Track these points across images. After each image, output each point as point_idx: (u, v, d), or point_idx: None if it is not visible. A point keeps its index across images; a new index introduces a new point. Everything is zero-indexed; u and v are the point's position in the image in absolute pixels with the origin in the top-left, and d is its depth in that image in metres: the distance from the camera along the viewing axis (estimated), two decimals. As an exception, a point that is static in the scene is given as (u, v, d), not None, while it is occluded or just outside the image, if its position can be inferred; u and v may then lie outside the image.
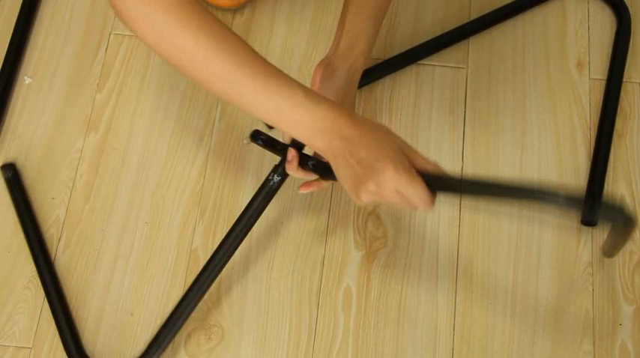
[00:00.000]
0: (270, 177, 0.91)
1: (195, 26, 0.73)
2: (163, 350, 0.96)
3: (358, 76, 0.92)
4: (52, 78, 1.14)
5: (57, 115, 1.12)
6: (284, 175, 0.90)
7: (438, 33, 1.15)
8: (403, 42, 1.15)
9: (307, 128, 0.76)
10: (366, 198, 0.78)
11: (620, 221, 0.75)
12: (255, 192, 0.89)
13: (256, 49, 0.75)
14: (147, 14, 0.73)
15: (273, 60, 0.76)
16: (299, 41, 1.16)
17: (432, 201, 0.77)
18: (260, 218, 0.94)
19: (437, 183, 0.76)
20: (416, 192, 0.75)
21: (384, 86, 1.13)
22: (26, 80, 1.14)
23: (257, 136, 0.92)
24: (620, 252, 1.02)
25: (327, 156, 0.78)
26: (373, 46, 0.94)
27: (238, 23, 1.17)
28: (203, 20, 0.74)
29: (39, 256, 1.02)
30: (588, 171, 1.07)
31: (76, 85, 1.14)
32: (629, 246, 1.03)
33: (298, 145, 0.85)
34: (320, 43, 1.15)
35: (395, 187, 0.75)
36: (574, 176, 1.07)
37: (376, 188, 0.76)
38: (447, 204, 1.05)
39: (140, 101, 1.13)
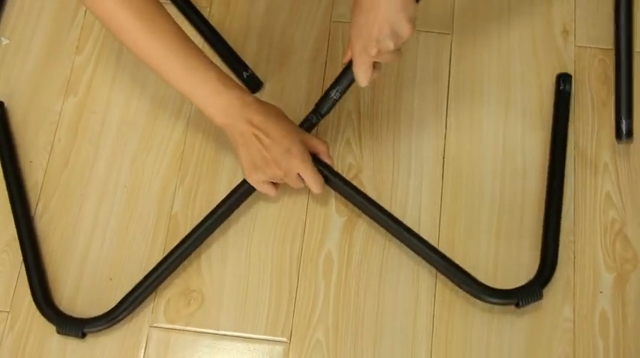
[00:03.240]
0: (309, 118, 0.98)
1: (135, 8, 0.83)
2: (134, 308, 0.97)
3: None
4: (30, 39, 1.12)
5: (35, 78, 1.10)
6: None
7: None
8: None
9: (216, 108, 0.87)
10: (260, 177, 0.91)
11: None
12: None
13: None
14: None
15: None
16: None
17: (322, 185, 0.94)
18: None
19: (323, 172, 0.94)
20: (314, 178, 0.92)
21: (368, 52, 1.11)
22: (3, 41, 1.12)
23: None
24: (601, 220, 1.02)
25: (229, 133, 0.89)
26: None
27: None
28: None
29: (19, 211, 1.01)
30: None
31: (54, 47, 1.12)
32: (611, 214, 1.03)
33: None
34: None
35: (297, 173, 0.91)
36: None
37: (282, 173, 0.90)
38: (429, 167, 1.04)
39: (120, 64, 1.11)
